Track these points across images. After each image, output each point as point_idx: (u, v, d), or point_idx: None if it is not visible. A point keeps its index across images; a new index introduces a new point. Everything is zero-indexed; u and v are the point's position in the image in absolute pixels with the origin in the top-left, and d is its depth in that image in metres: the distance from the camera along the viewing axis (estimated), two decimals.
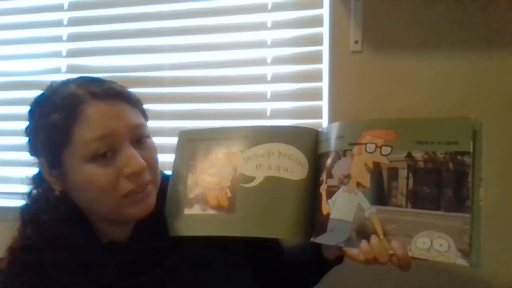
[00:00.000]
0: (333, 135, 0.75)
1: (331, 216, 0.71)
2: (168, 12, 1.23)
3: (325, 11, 1.13)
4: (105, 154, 0.67)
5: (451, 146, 0.65)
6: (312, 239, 0.74)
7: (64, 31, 1.32)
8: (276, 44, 1.17)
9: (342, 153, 0.73)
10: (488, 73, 1.02)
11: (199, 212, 0.77)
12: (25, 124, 0.75)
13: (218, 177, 0.79)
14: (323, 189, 0.74)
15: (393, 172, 0.68)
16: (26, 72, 1.34)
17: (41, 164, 0.73)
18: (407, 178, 0.66)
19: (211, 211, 0.77)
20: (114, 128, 0.68)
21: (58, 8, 1.32)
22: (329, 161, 0.74)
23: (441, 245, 0.62)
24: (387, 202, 0.67)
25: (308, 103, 1.16)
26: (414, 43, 1.06)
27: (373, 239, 0.66)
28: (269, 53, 1.17)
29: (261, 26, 1.18)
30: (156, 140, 0.77)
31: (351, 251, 0.69)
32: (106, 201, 0.69)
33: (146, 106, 0.79)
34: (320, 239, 0.72)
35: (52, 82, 0.75)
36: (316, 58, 1.14)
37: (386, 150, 0.69)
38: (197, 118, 1.23)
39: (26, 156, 0.76)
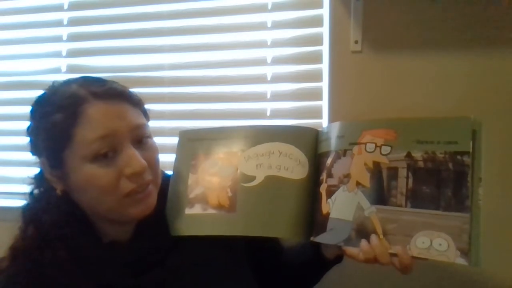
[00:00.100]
0: (333, 134, 0.75)
1: (330, 216, 0.71)
2: (168, 12, 1.23)
3: (325, 11, 1.13)
4: (106, 154, 0.68)
5: (451, 146, 0.65)
6: (312, 238, 0.74)
7: (64, 31, 1.32)
8: (276, 44, 1.17)
9: (342, 153, 0.73)
10: (488, 73, 1.02)
11: (200, 212, 0.78)
12: (25, 124, 0.75)
13: (218, 176, 0.79)
14: (323, 188, 0.74)
15: (393, 172, 0.68)
16: (26, 72, 1.34)
17: (42, 163, 0.73)
18: (407, 177, 0.67)
19: (212, 211, 0.77)
20: (115, 128, 0.68)
21: (58, 8, 1.31)
22: (329, 160, 0.74)
23: (440, 244, 0.62)
24: (387, 201, 0.67)
25: (308, 103, 1.16)
26: (414, 43, 1.06)
27: (373, 238, 0.66)
28: (269, 53, 1.17)
29: (261, 26, 1.17)
30: (156, 140, 0.77)
31: (351, 250, 0.69)
32: (107, 201, 0.69)
33: (146, 106, 0.79)
34: (319, 238, 0.72)
35: (53, 82, 0.75)
36: (316, 58, 1.14)
37: (386, 149, 0.69)
38: (197, 118, 1.23)
39: (26, 156, 0.76)
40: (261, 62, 1.18)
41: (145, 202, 0.71)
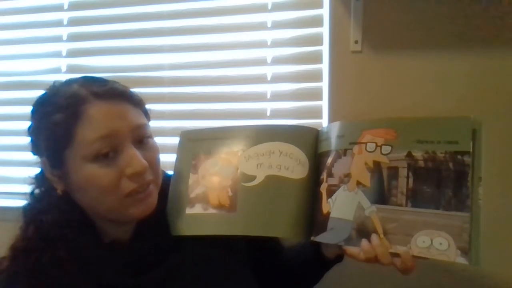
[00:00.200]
0: (334, 134, 0.75)
1: (331, 215, 0.71)
2: (168, 12, 1.23)
3: (325, 11, 1.13)
4: (107, 154, 0.68)
5: (451, 145, 0.65)
6: (312, 237, 0.74)
7: (64, 31, 1.32)
8: (276, 44, 1.17)
9: (343, 152, 0.73)
10: (488, 73, 1.02)
11: (201, 212, 0.78)
12: (25, 124, 0.75)
13: (219, 176, 0.79)
14: (323, 188, 0.74)
15: (393, 171, 0.68)
16: (26, 72, 1.34)
17: (43, 163, 0.73)
18: (407, 177, 0.67)
19: (212, 211, 0.77)
20: (117, 128, 0.68)
21: (58, 8, 1.31)
22: (329, 160, 0.74)
23: (441, 243, 0.62)
24: (387, 201, 0.67)
25: (308, 103, 1.16)
26: (414, 43, 1.06)
27: (374, 238, 0.66)
28: (269, 53, 1.17)
29: (261, 26, 1.18)
30: (156, 140, 0.77)
31: (351, 249, 0.69)
32: (108, 201, 0.69)
33: (146, 106, 0.79)
34: (320, 238, 0.72)
35: (54, 82, 0.75)
36: (316, 58, 1.14)
37: (386, 149, 0.69)
38: (197, 118, 1.23)
39: (26, 156, 0.77)
40: (261, 62, 1.18)
41: (145, 202, 0.71)
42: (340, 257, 0.79)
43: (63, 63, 1.31)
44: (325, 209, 0.73)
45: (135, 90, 0.77)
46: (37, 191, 0.76)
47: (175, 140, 0.87)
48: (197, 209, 0.78)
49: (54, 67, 1.32)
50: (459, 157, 0.64)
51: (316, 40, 1.14)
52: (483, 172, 0.64)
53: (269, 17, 1.17)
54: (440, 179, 0.65)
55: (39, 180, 0.76)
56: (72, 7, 1.31)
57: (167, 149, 0.93)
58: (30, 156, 0.76)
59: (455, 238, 0.62)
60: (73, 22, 1.31)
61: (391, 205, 0.67)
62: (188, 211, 0.78)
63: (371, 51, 1.08)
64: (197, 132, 0.87)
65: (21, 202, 0.76)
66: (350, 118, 0.76)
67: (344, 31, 1.09)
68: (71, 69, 1.31)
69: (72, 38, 1.32)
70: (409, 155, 0.67)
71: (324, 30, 1.13)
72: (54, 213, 0.72)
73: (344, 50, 1.10)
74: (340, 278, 0.96)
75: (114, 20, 1.28)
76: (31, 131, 0.74)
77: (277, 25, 1.17)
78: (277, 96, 1.17)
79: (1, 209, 1.26)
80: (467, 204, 0.62)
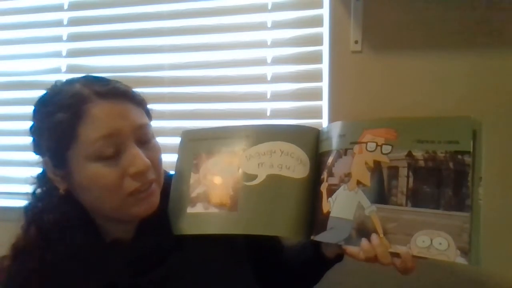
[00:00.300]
0: (335, 134, 0.75)
1: (331, 214, 0.71)
2: (168, 12, 1.24)
3: (325, 11, 1.13)
4: (110, 154, 0.68)
5: (452, 145, 0.65)
6: (312, 237, 0.74)
7: (64, 31, 1.32)
8: (276, 44, 1.17)
9: (343, 152, 0.73)
10: (488, 73, 1.02)
11: (202, 211, 0.78)
12: (26, 124, 0.75)
13: (220, 175, 0.79)
14: (323, 187, 0.74)
15: (394, 171, 0.68)
16: (26, 72, 1.34)
17: (45, 163, 0.73)
18: (407, 176, 0.67)
19: (213, 210, 0.77)
20: (119, 127, 0.68)
21: (58, 8, 1.32)
22: (330, 159, 0.74)
23: (440, 243, 0.62)
24: (387, 200, 0.67)
25: (308, 103, 1.16)
26: (414, 43, 1.06)
27: (374, 237, 0.66)
28: (269, 53, 1.17)
29: (261, 26, 1.18)
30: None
31: (351, 249, 0.69)
32: (111, 200, 0.69)
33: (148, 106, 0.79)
34: (320, 237, 0.72)
35: (56, 82, 0.75)
36: (316, 58, 1.14)
37: (386, 149, 0.69)
38: (197, 118, 1.23)
39: (27, 156, 0.77)
40: (261, 62, 1.18)
41: (148, 201, 0.72)
42: (340, 256, 0.79)
43: (63, 63, 1.31)
44: (325, 209, 0.73)
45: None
46: (38, 190, 0.76)
47: (175, 140, 0.87)
48: (198, 208, 0.78)
49: (54, 67, 1.32)
50: (459, 157, 0.64)
51: (316, 40, 1.14)
52: (483, 172, 0.64)
53: (269, 17, 1.17)
54: (440, 179, 0.65)
55: (41, 179, 0.76)
56: (72, 7, 1.31)
57: (167, 149, 0.93)
58: (30, 156, 0.76)
59: (455, 238, 0.62)
60: (73, 22, 1.31)
61: (391, 205, 0.67)
62: (189, 210, 0.79)
63: (371, 51, 1.08)
64: (198, 132, 0.87)
65: (22, 202, 0.76)
66: (350, 118, 0.76)
67: (344, 31, 1.09)
68: (71, 69, 1.31)
69: (72, 38, 1.32)
70: (410, 154, 0.67)
71: (324, 30, 1.13)
72: (55, 212, 0.72)
73: (344, 50, 1.10)
74: (340, 277, 0.96)
75: (114, 20, 1.28)
76: (33, 131, 0.74)
77: (277, 25, 1.17)
78: (277, 96, 1.17)
79: (2, 209, 1.26)
80: (467, 204, 0.62)
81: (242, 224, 0.75)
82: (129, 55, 1.27)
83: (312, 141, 0.78)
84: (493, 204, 0.80)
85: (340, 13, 1.10)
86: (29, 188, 0.77)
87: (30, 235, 0.71)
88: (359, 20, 1.08)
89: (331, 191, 0.73)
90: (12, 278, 0.69)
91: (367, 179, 0.69)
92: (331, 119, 1.10)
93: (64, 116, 0.67)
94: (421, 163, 0.66)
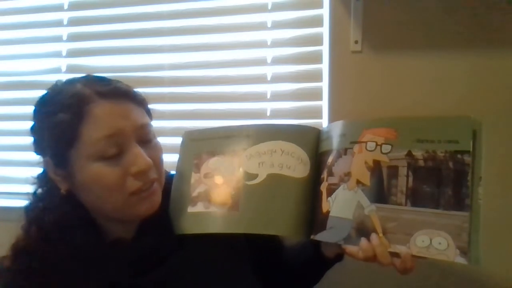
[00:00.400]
0: (335, 133, 0.75)
1: (331, 214, 0.71)
2: (168, 12, 1.24)
3: (325, 11, 1.13)
4: (112, 153, 0.68)
5: (451, 145, 0.65)
6: (311, 236, 0.74)
7: (64, 31, 1.32)
8: (276, 44, 1.17)
9: (343, 151, 0.73)
10: (488, 73, 1.02)
11: (203, 210, 0.78)
12: (26, 124, 0.75)
13: (221, 175, 0.79)
14: (323, 187, 0.74)
15: (393, 170, 0.68)
16: (26, 72, 1.34)
17: (47, 163, 0.73)
18: (407, 176, 0.67)
19: (214, 209, 0.77)
20: (121, 127, 0.68)
21: (58, 8, 1.32)
22: (330, 159, 0.74)
23: (440, 243, 0.62)
24: (387, 200, 0.67)
25: (308, 103, 1.16)
26: (414, 43, 1.06)
27: (373, 237, 0.66)
28: (269, 53, 1.17)
29: (261, 26, 1.18)
30: None
31: (351, 248, 0.69)
32: (113, 200, 0.69)
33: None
34: (319, 237, 0.72)
35: (56, 81, 0.75)
36: (316, 58, 1.14)
37: (386, 148, 0.69)
38: (197, 118, 1.23)
39: (27, 156, 0.77)
40: (261, 62, 1.18)
41: (150, 200, 0.72)
42: (340, 256, 0.79)
43: (63, 63, 1.31)
44: (325, 208, 0.73)
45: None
46: (39, 190, 0.76)
47: (176, 140, 0.87)
48: (199, 207, 0.78)
49: (54, 67, 1.32)
50: (459, 156, 0.64)
51: (316, 40, 1.14)
52: (483, 172, 0.64)
53: (269, 17, 1.17)
54: (440, 179, 0.65)
55: (42, 179, 0.76)
56: (72, 7, 1.31)
57: (167, 149, 0.93)
58: (31, 156, 0.76)
59: (455, 238, 0.61)
60: (73, 22, 1.31)
61: (390, 204, 0.67)
62: (190, 209, 0.79)
63: (371, 51, 1.08)
64: (200, 132, 0.87)
65: (23, 202, 0.76)
66: (350, 118, 0.76)
67: (344, 31, 1.09)
68: (71, 69, 1.31)
69: (72, 38, 1.32)
70: (409, 154, 0.67)
71: (324, 30, 1.13)
72: (56, 212, 0.72)
73: (344, 50, 1.10)
74: (340, 277, 0.95)
75: (114, 20, 1.28)
76: (34, 131, 0.74)
77: (277, 25, 1.17)
78: (277, 96, 1.17)
79: (3, 209, 1.26)
80: (466, 204, 0.62)
81: (243, 223, 0.75)
82: (129, 55, 1.27)
83: (312, 141, 0.78)
84: (493, 204, 0.80)
85: (340, 13, 1.10)
86: (29, 188, 0.77)
87: (31, 235, 0.71)
88: (359, 20, 1.08)
89: (331, 191, 0.73)
90: (13, 278, 0.69)
91: (366, 178, 0.69)
92: (331, 119, 1.10)
93: (66, 116, 0.67)
94: (421, 162, 0.66)
